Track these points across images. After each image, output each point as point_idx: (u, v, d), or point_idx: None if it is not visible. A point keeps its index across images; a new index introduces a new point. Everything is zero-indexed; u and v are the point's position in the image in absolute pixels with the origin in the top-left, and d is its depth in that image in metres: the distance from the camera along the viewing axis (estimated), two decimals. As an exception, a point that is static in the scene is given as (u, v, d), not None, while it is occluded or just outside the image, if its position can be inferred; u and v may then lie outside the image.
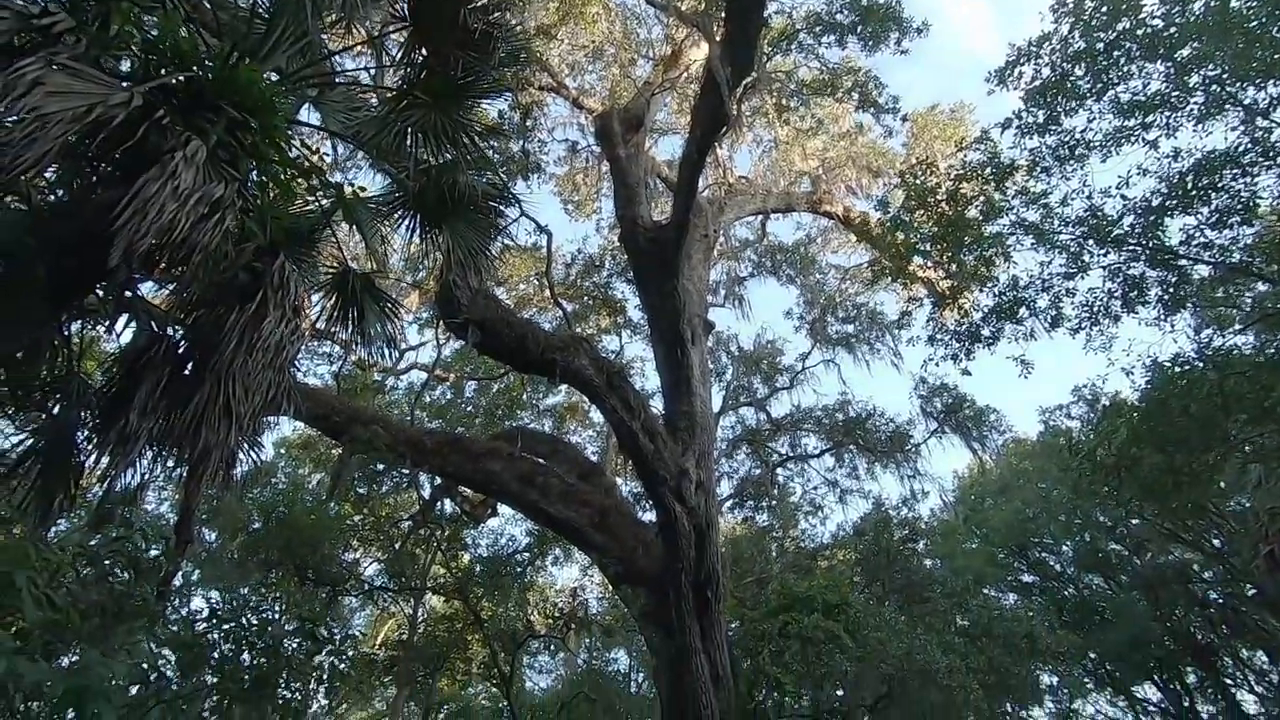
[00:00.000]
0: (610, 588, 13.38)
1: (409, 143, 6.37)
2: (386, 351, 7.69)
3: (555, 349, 9.53)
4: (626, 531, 11.17)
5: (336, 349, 15.87)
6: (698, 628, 9.85)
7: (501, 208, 7.88)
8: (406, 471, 13.83)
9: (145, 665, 4.89)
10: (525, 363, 10.27)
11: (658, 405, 12.01)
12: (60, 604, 3.03)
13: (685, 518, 9.99)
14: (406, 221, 7.17)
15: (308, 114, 7.13)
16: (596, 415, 18.68)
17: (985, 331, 10.74)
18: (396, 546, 16.24)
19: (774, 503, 18.11)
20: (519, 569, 15.44)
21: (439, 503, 15.94)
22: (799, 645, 9.62)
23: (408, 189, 6.71)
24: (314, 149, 6.84)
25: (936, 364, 11.82)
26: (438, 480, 14.18)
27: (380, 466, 14.13)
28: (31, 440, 6.04)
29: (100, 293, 5.62)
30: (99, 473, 6.81)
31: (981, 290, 11.17)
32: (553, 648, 19.05)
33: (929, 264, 13.07)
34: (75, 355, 6.29)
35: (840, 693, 11.35)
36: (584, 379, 9.84)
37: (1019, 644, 11.38)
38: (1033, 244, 10.30)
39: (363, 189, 6.52)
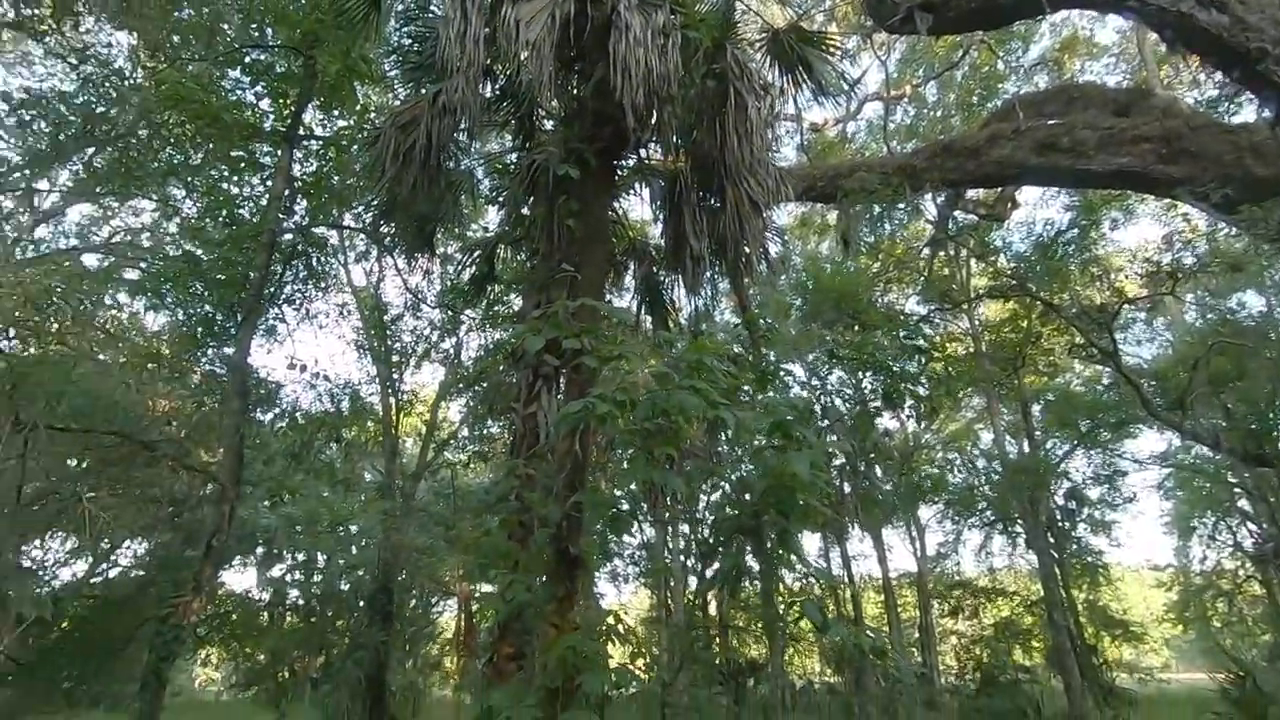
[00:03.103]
0: (1210, 221, 10.74)
1: None
2: (845, 89, 7.37)
3: (1028, -23, 7.54)
4: (1215, 146, 8.60)
5: (789, 126, 16.09)
6: (1390, 218, 7.14)
7: None
8: (903, 206, 13.50)
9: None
10: (999, 13, 8.47)
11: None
12: (735, 372, 4.06)
13: (1317, 87, 7.07)
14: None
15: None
16: (1103, 38, 14.48)
17: None
18: (925, 274, 16.32)
19: None
20: (1071, 248, 13.70)
21: (950, 218, 15.17)
22: None
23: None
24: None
25: None
26: (942, 197, 13.42)
27: (878, 209, 14.13)
28: (637, 296, 8.09)
29: (619, 171, 6.88)
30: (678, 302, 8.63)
31: None
32: (1146, 314, 16.72)
33: None
34: (625, 223, 8.01)
35: None
36: (1082, -10, 7.59)
37: None
38: None
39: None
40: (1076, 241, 13.71)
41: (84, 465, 7.01)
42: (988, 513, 21.65)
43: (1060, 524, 20.26)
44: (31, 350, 7.83)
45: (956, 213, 14.91)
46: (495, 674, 4.83)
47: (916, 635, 23.07)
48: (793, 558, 4.68)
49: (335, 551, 18.95)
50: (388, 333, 14.05)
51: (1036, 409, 20.11)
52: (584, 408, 3.54)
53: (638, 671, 3.89)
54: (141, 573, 12.43)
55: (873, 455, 20.23)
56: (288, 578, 20.79)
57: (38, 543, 16.25)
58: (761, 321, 6.66)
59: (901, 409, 5.95)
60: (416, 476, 15.61)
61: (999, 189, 13.93)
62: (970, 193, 14.28)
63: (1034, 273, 13.04)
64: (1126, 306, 13.56)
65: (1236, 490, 19.33)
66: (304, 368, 10.36)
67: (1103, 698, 14.15)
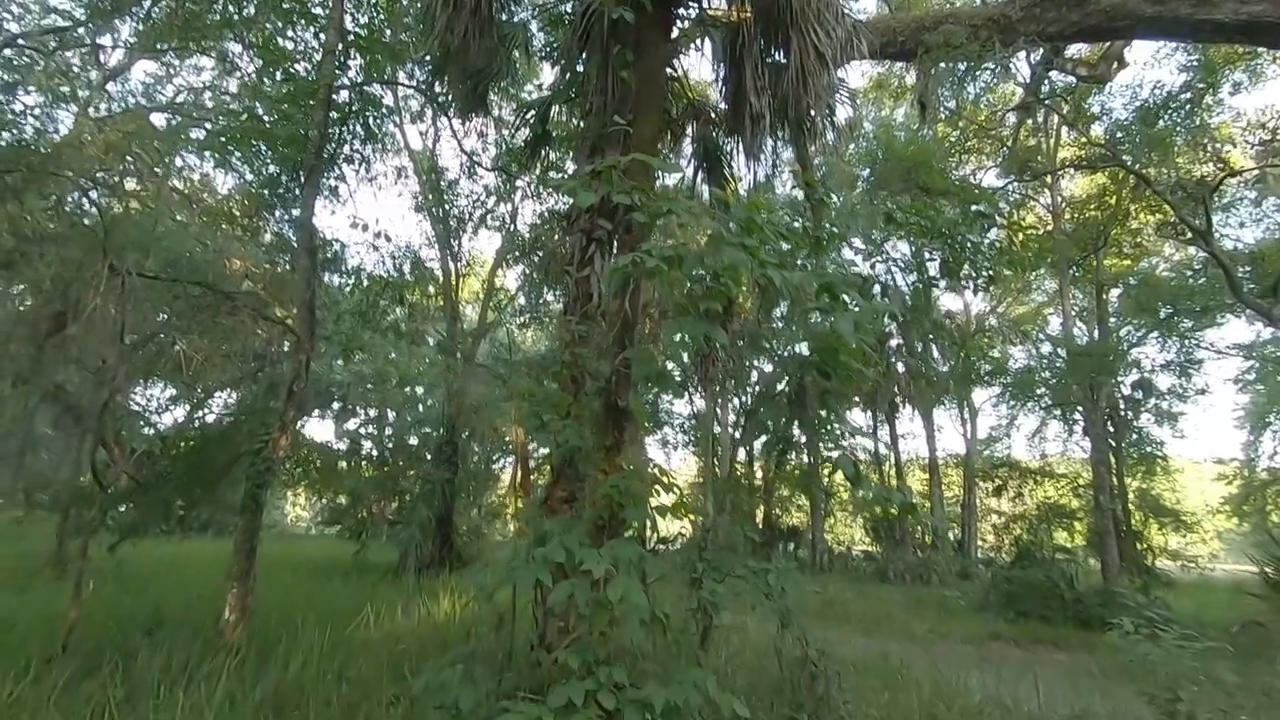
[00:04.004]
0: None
1: None
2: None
3: None
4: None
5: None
6: None
7: None
8: (991, 66, 12.27)
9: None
10: None
11: None
12: (789, 234, 4.01)
13: None
14: None
15: None
16: None
17: None
18: (1009, 145, 15.16)
19: None
20: (1180, 113, 12.36)
21: (1044, 79, 13.77)
22: None
23: None
24: None
25: None
26: (1038, 54, 12.13)
27: (962, 66, 12.92)
28: (694, 162, 7.85)
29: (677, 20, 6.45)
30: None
31: None
32: (1256, 191, 15.21)
33: None
34: (684, 83, 7.61)
35: None
36: None
37: None
38: None
39: None
40: (1187, 108, 12.33)
41: (175, 316, 7.59)
42: (1045, 398, 21.31)
43: (1122, 413, 19.81)
44: (115, 208, 8.27)
45: (1052, 73, 13.52)
46: (549, 513, 5.28)
47: (959, 512, 23.63)
48: (833, 422, 4.81)
49: (403, 408, 20.34)
50: (445, 198, 14.13)
51: (1114, 294, 19.09)
52: (633, 261, 3.59)
53: (679, 517, 4.19)
54: (232, 419, 13.69)
55: (931, 335, 19.91)
56: (362, 431, 22.59)
57: (142, 389, 17.93)
58: (821, 186, 6.36)
59: (959, 279, 5.74)
60: (477, 335, 16.23)
61: (1105, 45, 12.51)
62: (1071, 50, 12.87)
63: (1131, 143, 11.90)
64: (1233, 185, 12.35)
65: (1324, 386, 18.39)
66: (365, 227, 10.65)
67: (1139, 578, 14.41)
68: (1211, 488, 26.22)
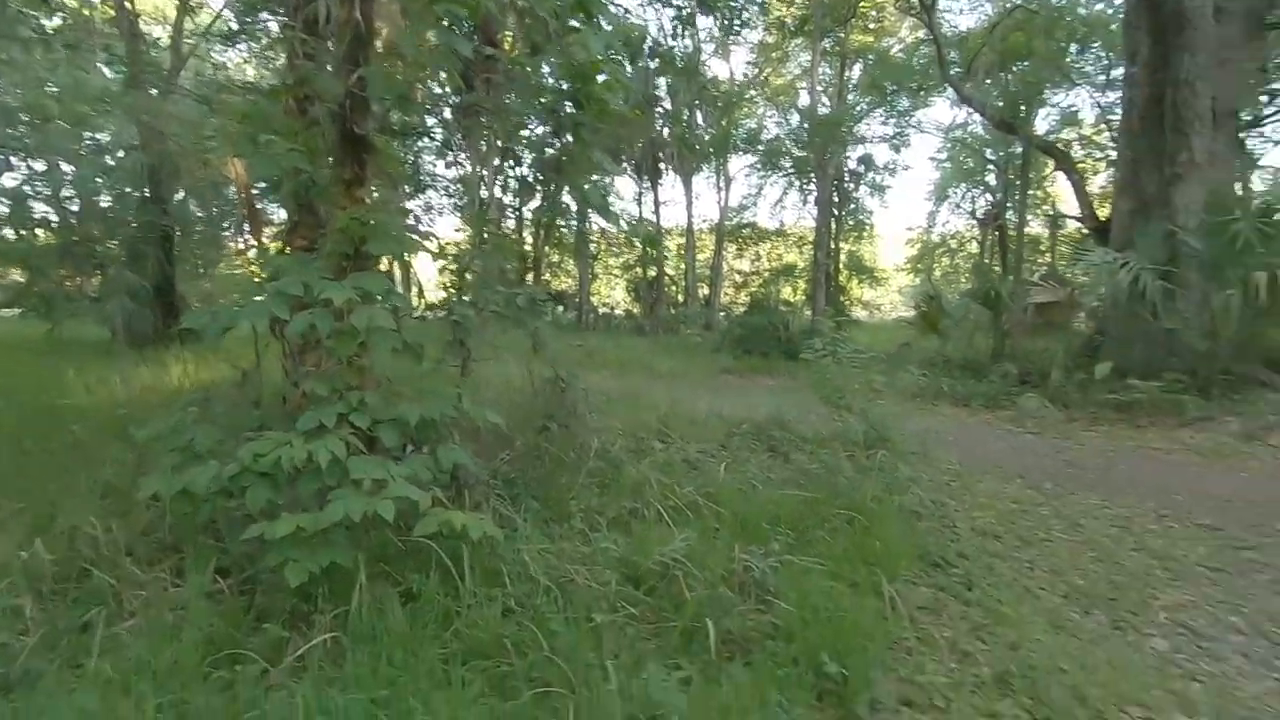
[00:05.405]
0: None
1: None
2: None
3: None
4: None
5: None
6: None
7: None
8: None
9: None
10: None
11: None
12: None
13: None
14: None
15: None
16: None
17: None
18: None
19: None
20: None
21: None
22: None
23: None
24: None
25: None
26: None
27: None
28: None
29: None
30: None
31: None
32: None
33: None
34: None
35: None
36: None
37: None
38: None
39: None
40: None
41: None
42: (789, 169, 23.53)
43: (846, 184, 22.75)
44: None
45: None
46: (288, 260, 4.80)
47: (708, 273, 26.27)
48: (591, 167, 4.80)
49: (82, 160, 16.27)
50: None
51: (857, 71, 20.76)
52: (353, -58, 2.96)
53: (439, 258, 4.05)
54: None
55: (697, 100, 20.26)
56: (27, 189, 17.88)
57: None
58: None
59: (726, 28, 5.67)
60: (177, 53, 12.92)
61: None
62: None
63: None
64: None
65: (990, 166, 22.48)
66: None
67: (835, 316, 17.71)
68: (901, 251, 32.08)
